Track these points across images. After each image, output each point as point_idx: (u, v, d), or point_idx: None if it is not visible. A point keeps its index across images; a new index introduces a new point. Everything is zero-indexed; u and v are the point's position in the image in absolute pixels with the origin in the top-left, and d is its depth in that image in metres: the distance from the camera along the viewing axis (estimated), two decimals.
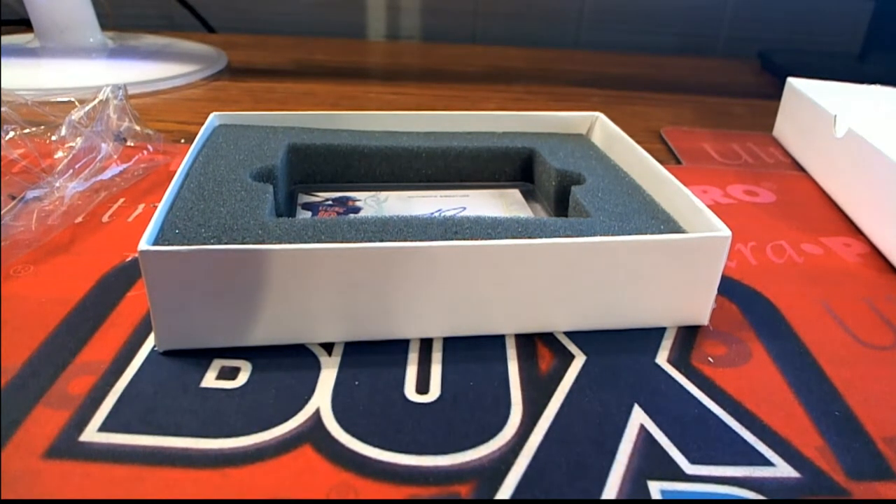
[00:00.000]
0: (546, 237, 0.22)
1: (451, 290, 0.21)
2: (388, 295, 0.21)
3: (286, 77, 0.56)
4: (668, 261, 0.22)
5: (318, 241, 0.21)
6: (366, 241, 0.21)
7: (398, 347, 0.22)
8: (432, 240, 0.21)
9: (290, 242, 0.21)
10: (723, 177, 0.39)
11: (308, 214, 0.28)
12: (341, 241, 0.21)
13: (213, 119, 0.31)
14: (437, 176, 0.32)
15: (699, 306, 0.23)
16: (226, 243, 0.21)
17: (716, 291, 0.23)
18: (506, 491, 0.17)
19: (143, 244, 0.19)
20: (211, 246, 0.20)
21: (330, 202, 0.29)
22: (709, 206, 0.30)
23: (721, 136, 0.46)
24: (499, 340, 0.22)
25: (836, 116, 0.36)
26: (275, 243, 0.21)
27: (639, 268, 0.22)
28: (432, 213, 0.23)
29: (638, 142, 0.30)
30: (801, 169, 0.40)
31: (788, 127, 0.44)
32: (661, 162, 0.28)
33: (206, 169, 0.26)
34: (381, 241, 0.21)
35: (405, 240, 0.21)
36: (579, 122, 0.35)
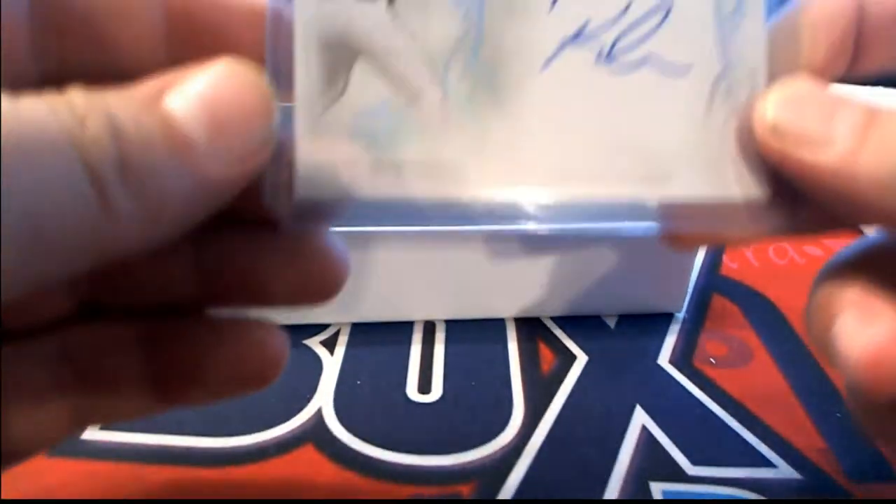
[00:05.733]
0: None
1: (442, 271, 0.22)
2: (373, 274, 0.22)
3: None
4: (645, 248, 0.23)
5: None
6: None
7: (400, 348, 0.22)
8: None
9: None
10: None
11: None
12: None
13: None
14: None
15: (675, 294, 0.24)
16: None
17: (691, 280, 0.24)
18: (507, 491, 0.17)
19: None
20: None
21: None
22: None
23: None
24: (501, 342, 0.23)
25: None
26: None
27: (619, 254, 0.23)
28: None
29: None
30: None
31: None
32: None
33: None
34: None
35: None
36: None
